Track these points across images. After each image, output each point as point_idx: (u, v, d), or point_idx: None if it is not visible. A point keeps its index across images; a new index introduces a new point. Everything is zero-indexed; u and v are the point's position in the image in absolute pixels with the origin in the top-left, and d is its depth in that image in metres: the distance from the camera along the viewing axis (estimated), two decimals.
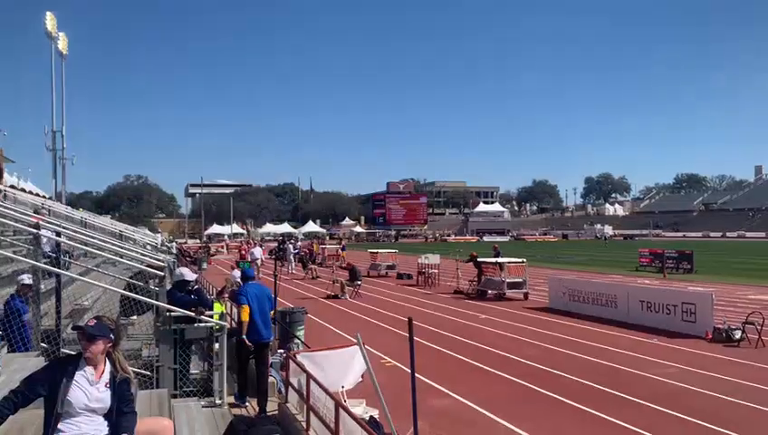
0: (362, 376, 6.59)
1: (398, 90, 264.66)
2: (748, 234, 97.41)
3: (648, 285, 21.43)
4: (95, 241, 8.89)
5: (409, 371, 5.44)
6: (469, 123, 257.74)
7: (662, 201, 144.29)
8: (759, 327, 12.18)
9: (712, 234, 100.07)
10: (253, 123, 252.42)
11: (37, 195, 26.49)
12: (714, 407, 8.18)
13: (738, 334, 12.45)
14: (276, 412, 6.85)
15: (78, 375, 3.64)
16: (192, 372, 7.01)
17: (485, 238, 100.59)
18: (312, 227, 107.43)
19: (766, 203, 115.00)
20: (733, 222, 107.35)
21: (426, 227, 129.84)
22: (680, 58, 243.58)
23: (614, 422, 7.56)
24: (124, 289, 7.25)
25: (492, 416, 7.70)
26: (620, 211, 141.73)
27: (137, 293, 6.88)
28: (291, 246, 40.25)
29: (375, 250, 35.76)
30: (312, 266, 31.63)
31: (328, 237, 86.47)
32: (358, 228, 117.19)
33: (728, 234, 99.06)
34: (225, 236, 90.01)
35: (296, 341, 10.49)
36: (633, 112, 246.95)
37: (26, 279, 6.84)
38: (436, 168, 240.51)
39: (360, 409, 6.61)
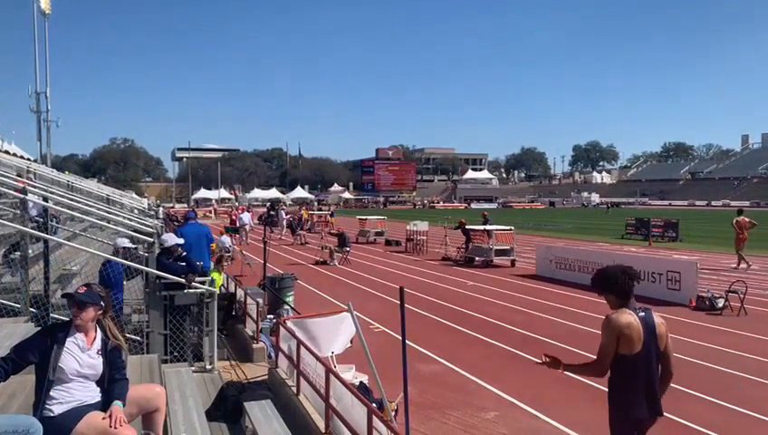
0: (351, 341, 6.65)
1: (387, 56, 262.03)
2: (733, 203, 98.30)
3: (633, 252, 21.67)
4: (82, 205, 8.81)
5: (398, 336, 5.50)
6: (459, 90, 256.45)
7: (649, 170, 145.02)
8: (742, 296, 12.38)
9: (698, 202, 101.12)
10: (241, 87, 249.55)
11: (22, 157, 26.09)
12: (695, 373, 8.35)
13: (721, 303, 12.66)
14: (266, 377, 6.91)
15: (69, 342, 3.64)
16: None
17: (474, 205, 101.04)
18: (300, 192, 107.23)
19: (752, 172, 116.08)
20: (718, 191, 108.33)
21: (414, 194, 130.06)
22: (669, 28, 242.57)
23: (598, 388, 7.71)
24: (112, 254, 7.22)
25: (479, 381, 7.82)
26: (608, 179, 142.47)
27: (126, 258, 6.86)
28: (283, 211, 40.09)
29: (364, 217, 35.78)
30: (301, 232, 31.62)
31: (317, 203, 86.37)
32: (346, 194, 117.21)
33: (713, 203, 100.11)
34: (213, 201, 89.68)
35: (286, 307, 10.55)
36: (621, 80, 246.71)
37: (126, 242, 6.97)
38: (426, 134, 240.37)
39: (350, 374, 6.68)
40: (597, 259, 16.96)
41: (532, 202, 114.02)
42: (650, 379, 3.88)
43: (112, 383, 3.73)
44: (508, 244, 21.56)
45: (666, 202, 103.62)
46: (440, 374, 8.24)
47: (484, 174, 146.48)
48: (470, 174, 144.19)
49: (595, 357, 3.95)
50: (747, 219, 20.48)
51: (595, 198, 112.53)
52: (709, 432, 6.22)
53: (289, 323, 6.90)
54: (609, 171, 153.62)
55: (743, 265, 19.42)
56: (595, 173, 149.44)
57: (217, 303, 7.33)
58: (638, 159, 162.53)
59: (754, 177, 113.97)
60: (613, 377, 3.93)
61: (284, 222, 35.68)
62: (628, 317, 3.82)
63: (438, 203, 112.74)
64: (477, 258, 21.69)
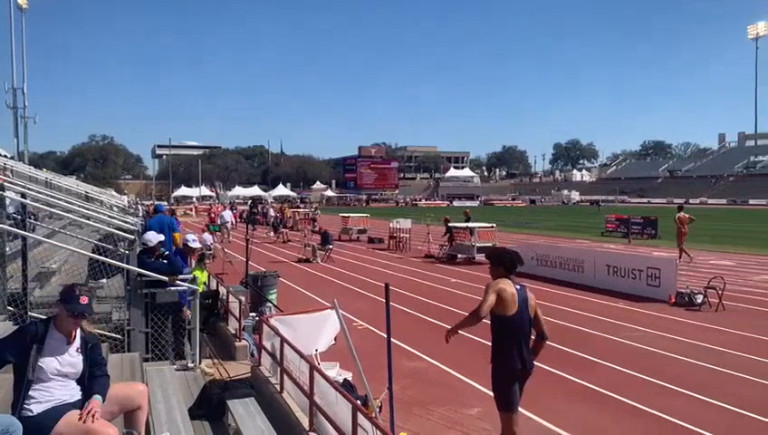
0: (335, 339, 6.63)
1: (370, 54, 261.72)
2: (710, 200, 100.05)
3: (613, 250, 21.86)
4: (61, 202, 8.68)
5: (381, 333, 5.50)
6: (442, 88, 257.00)
7: (628, 168, 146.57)
8: (720, 292, 12.56)
9: (676, 200, 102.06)
10: (223, 84, 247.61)
11: None
12: (675, 368, 8.47)
13: (700, 299, 12.85)
14: (249, 375, 6.86)
15: (48, 341, 3.58)
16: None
17: (455, 203, 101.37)
18: (282, 190, 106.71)
19: (728, 170, 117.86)
20: (696, 189, 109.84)
21: (397, 192, 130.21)
22: (649, 27, 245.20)
23: (580, 383, 7.79)
24: (92, 252, 7.12)
25: (463, 377, 7.85)
26: (588, 177, 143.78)
27: (106, 256, 6.77)
28: (271, 209, 39.72)
29: (346, 214, 35.71)
30: (284, 230, 31.49)
31: (299, 201, 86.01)
32: (329, 192, 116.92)
33: (691, 200, 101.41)
34: (194, 199, 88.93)
35: (269, 304, 10.49)
36: (601, 79, 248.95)
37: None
38: (409, 133, 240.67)
39: (334, 371, 6.67)
40: (577, 256, 17.13)
41: (514, 200, 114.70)
42: (523, 338, 4.95)
43: (93, 380, 3.68)
44: (490, 241, 21.66)
45: (645, 200, 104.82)
46: (424, 371, 8.25)
47: (466, 172, 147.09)
48: (452, 172, 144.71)
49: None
50: (687, 215, 22.12)
51: (575, 196, 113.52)
52: (691, 427, 6.29)
53: (272, 321, 6.86)
54: (589, 169, 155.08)
55: (685, 258, 20.28)
56: (575, 171, 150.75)
57: (200, 301, 7.27)
58: (617, 158, 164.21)
59: (731, 175, 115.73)
60: (494, 336, 5.04)
61: (273, 220, 35.45)
62: (507, 284, 4.90)
63: (421, 201, 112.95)
64: (460, 255, 21.76)
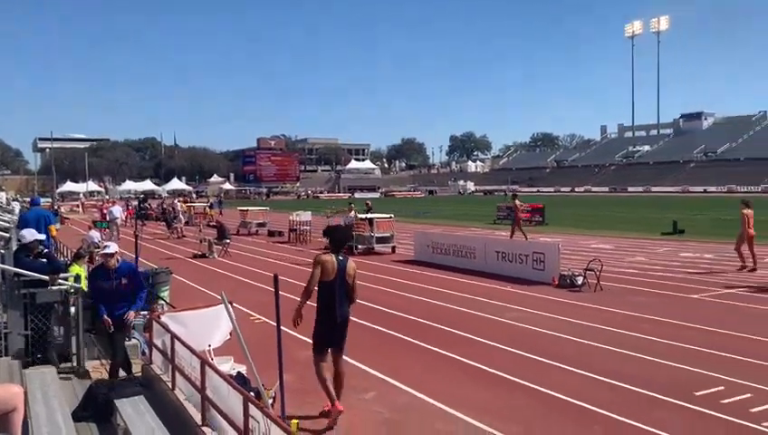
0: (230, 334, 6.61)
1: (266, 44, 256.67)
2: (594, 188, 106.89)
3: (503, 236, 22.96)
4: None
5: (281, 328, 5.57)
6: (341, 80, 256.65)
7: (519, 159, 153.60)
8: (597, 273, 13.54)
9: (562, 189, 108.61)
10: (109, 73, 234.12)
11: None
12: (557, 345, 9.10)
13: (580, 280, 13.80)
14: (140, 374, 6.71)
15: None
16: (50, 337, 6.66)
17: (357, 195, 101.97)
18: (177, 184, 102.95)
19: (609, 160, 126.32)
20: (581, 178, 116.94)
21: (298, 185, 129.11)
22: (538, 26, 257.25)
23: (468, 363, 8.20)
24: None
25: (359, 364, 8.04)
26: (482, 168, 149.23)
27: None
28: (179, 204, 37.99)
29: (245, 208, 35.08)
30: (177, 225, 30.46)
31: (196, 195, 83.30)
32: (227, 186, 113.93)
33: (577, 189, 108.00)
34: (81, 195, 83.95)
35: (161, 302, 10.21)
36: (494, 75, 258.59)
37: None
38: (308, 124, 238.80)
39: (228, 366, 6.65)
40: (469, 244, 17.87)
41: (413, 191, 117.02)
42: (339, 298, 6.05)
43: None
44: (388, 231, 22.11)
45: (534, 189, 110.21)
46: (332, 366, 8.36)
47: (367, 164, 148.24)
48: (353, 164, 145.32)
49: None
50: (520, 202, 25.03)
51: (470, 186, 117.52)
52: (571, 400, 6.79)
53: (163, 318, 6.75)
54: (482, 161, 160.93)
55: (525, 239, 21.57)
56: (470, 162, 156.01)
57: (85, 300, 6.99)
58: (509, 149, 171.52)
59: (612, 164, 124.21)
60: (318, 296, 6.05)
61: (182, 215, 34.09)
62: (328, 257, 6.03)
63: (322, 193, 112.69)
64: (359, 246, 22.03)
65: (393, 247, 21.67)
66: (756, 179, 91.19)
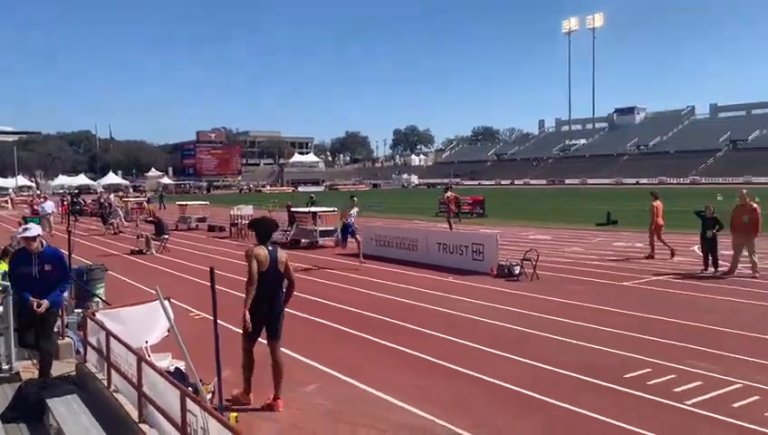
0: (168, 330, 6.52)
1: (204, 34, 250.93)
2: (532, 181, 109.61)
3: (445, 228, 23.31)
4: None
5: (219, 321, 5.52)
6: (282, 72, 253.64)
7: (461, 152, 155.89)
8: (534, 263, 13.96)
9: (503, 181, 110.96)
10: (39, 61, 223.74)
11: None
12: (493, 332, 9.36)
13: (517, 270, 14.18)
14: (74, 373, 6.52)
15: None
16: None
17: (301, 189, 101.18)
18: (113, 178, 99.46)
19: (547, 153, 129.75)
20: (520, 171, 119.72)
21: (240, 178, 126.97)
22: (476, 22, 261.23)
23: (407, 352, 8.33)
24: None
25: (300, 357, 8.05)
26: (425, 162, 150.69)
27: None
28: (115, 199, 36.65)
29: (184, 202, 34.32)
30: (113, 221, 29.54)
31: (133, 189, 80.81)
32: (165, 180, 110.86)
33: (516, 181, 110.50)
34: (10, 190, 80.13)
35: (96, 299, 9.92)
36: (436, 69, 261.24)
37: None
38: (250, 117, 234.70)
39: (166, 362, 6.56)
40: (412, 236, 18.07)
41: (358, 184, 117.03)
42: (274, 287, 6.22)
43: None
44: (332, 225, 22.09)
45: (476, 182, 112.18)
46: (260, 354, 8.28)
47: (311, 157, 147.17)
48: (297, 157, 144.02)
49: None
50: (454, 194, 27.26)
51: (414, 179, 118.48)
52: (504, 384, 7.01)
53: (98, 316, 6.58)
54: (426, 154, 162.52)
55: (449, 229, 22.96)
56: (414, 156, 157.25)
57: (14, 297, 6.72)
58: (451, 143, 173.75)
59: (549, 157, 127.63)
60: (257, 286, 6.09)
61: (119, 210, 32.95)
62: (261, 250, 6.14)
63: (265, 187, 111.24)
64: (303, 240, 21.94)
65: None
66: (685, 171, 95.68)
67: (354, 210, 16.99)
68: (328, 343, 9.11)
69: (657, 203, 16.86)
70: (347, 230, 17.18)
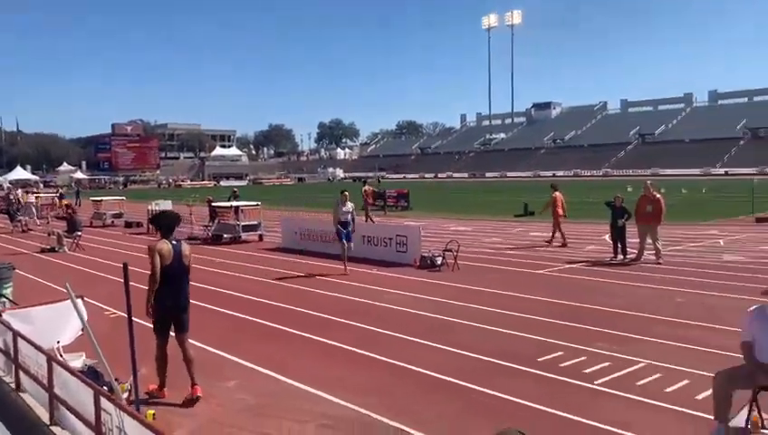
0: (82, 329, 6.31)
1: (122, 21, 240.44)
2: (455, 174, 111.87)
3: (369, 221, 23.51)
4: None
5: (134, 318, 5.39)
6: (203, 63, 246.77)
7: (386, 146, 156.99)
8: (455, 253, 14.33)
9: (427, 175, 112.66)
10: None
11: None
12: (418, 322, 9.57)
13: (439, 261, 14.51)
14: None
15: None
16: None
17: (223, 183, 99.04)
18: (21, 173, 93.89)
19: (469, 147, 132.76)
20: (443, 164, 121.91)
21: (158, 173, 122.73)
22: (401, 17, 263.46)
23: (329, 343, 8.41)
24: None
25: (221, 353, 7.96)
26: (350, 156, 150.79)
27: None
28: (32, 196, 34.47)
29: (98, 198, 32.92)
30: (21, 218, 27.96)
31: (43, 184, 76.62)
32: (79, 174, 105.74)
33: (440, 175, 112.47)
34: None
35: (3, 299, 9.43)
36: (360, 64, 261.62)
37: None
38: (168, 109, 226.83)
39: (80, 362, 6.35)
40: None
41: (282, 178, 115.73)
42: (178, 282, 6.24)
43: None
44: (255, 219, 21.82)
45: (401, 175, 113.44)
46: (175, 349, 8.17)
47: (233, 151, 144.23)
48: (218, 151, 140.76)
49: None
50: (371, 188, 29.06)
51: (340, 173, 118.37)
52: (425, 371, 7.20)
53: (5, 316, 6.31)
54: (351, 148, 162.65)
55: (367, 221, 24.29)
56: (339, 150, 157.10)
57: None
58: (376, 137, 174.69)
59: (471, 151, 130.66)
60: (160, 281, 6.08)
61: (32, 208, 31.01)
62: (164, 244, 6.17)
63: (185, 181, 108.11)
64: (225, 235, 21.55)
65: (260, 235, 21.42)
66: (598, 164, 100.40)
67: (349, 205, 14.92)
68: (248, 337, 9.03)
69: (557, 194, 17.99)
70: (347, 228, 14.72)
